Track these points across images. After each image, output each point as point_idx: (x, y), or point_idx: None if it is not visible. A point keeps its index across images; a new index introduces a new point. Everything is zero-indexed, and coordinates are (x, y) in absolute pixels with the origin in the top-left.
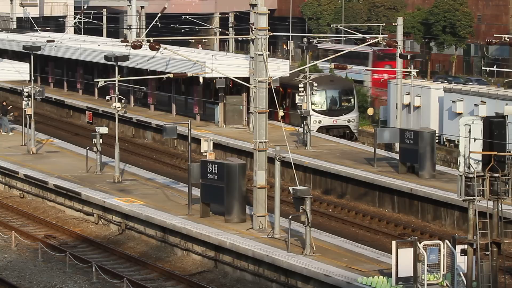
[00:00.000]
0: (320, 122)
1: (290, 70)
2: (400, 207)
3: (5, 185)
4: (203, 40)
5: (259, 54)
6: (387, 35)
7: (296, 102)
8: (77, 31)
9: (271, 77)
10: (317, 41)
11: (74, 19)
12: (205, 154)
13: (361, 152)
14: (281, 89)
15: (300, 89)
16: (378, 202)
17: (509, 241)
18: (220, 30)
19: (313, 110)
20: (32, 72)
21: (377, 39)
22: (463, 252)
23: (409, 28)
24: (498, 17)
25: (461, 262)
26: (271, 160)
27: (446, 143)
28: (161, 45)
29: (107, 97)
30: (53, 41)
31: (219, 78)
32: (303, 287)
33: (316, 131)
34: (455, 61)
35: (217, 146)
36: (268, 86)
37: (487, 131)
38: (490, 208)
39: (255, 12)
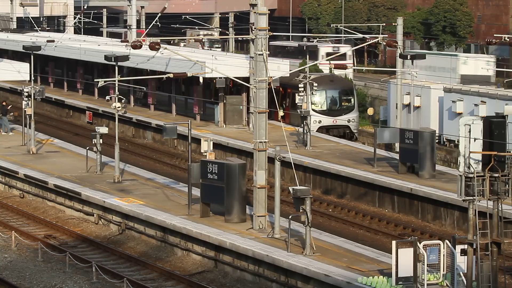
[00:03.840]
0: (320, 122)
1: (290, 70)
2: (400, 207)
3: (5, 185)
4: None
5: (259, 54)
6: (387, 35)
7: (296, 102)
8: (77, 31)
9: (271, 77)
10: (318, 40)
11: (74, 19)
12: (205, 154)
13: (361, 152)
14: (281, 89)
15: (300, 89)
16: (378, 202)
17: (509, 241)
18: (220, 30)
19: (313, 110)
20: (32, 72)
21: (377, 39)
22: (463, 252)
23: (409, 28)
24: (498, 17)
25: (461, 262)
26: (271, 160)
27: (446, 143)
28: (161, 45)
29: (107, 97)
30: (53, 41)
31: (219, 78)
32: (303, 287)
33: (316, 131)
34: None
35: (217, 146)
36: (268, 86)
37: (487, 131)
38: (490, 208)
39: (255, 12)
